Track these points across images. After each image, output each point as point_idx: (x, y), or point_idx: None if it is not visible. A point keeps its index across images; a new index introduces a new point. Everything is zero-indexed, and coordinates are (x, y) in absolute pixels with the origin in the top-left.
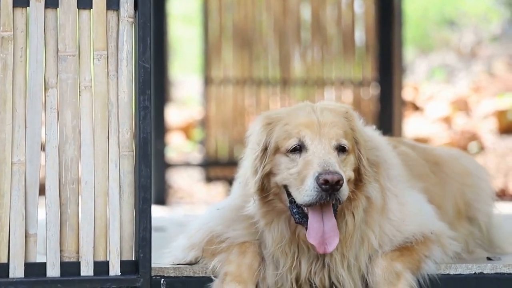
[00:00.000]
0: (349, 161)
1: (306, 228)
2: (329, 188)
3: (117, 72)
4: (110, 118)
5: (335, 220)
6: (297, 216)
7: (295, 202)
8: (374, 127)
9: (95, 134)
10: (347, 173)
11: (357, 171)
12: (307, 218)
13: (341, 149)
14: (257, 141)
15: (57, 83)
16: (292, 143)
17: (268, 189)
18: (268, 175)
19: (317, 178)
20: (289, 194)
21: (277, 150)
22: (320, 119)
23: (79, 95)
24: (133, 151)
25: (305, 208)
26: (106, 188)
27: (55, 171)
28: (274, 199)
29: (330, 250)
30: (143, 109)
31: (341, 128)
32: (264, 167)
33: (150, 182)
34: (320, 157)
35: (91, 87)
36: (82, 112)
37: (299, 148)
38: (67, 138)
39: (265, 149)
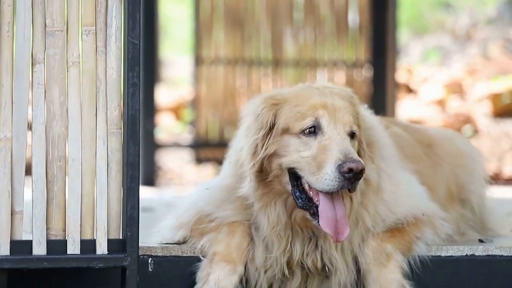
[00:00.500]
0: (355, 147)
1: (310, 213)
2: (352, 176)
3: (105, 48)
4: (98, 95)
5: (344, 207)
6: (300, 200)
7: (297, 185)
8: (366, 106)
9: (83, 110)
10: None
11: (357, 153)
12: (312, 203)
13: (351, 136)
14: (260, 121)
15: (44, 59)
16: (307, 123)
17: (268, 171)
18: (270, 157)
19: (340, 166)
20: (295, 177)
21: (285, 131)
22: (334, 103)
23: (67, 71)
24: (121, 129)
25: (310, 192)
26: (94, 165)
27: (42, 148)
28: (273, 181)
29: (343, 239)
30: (131, 86)
31: (351, 114)
32: (267, 148)
33: (138, 160)
34: (339, 143)
35: (79, 63)
36: (69, 89)
37: (313, 131)
38: (54, 114)
39: (269, 129)
